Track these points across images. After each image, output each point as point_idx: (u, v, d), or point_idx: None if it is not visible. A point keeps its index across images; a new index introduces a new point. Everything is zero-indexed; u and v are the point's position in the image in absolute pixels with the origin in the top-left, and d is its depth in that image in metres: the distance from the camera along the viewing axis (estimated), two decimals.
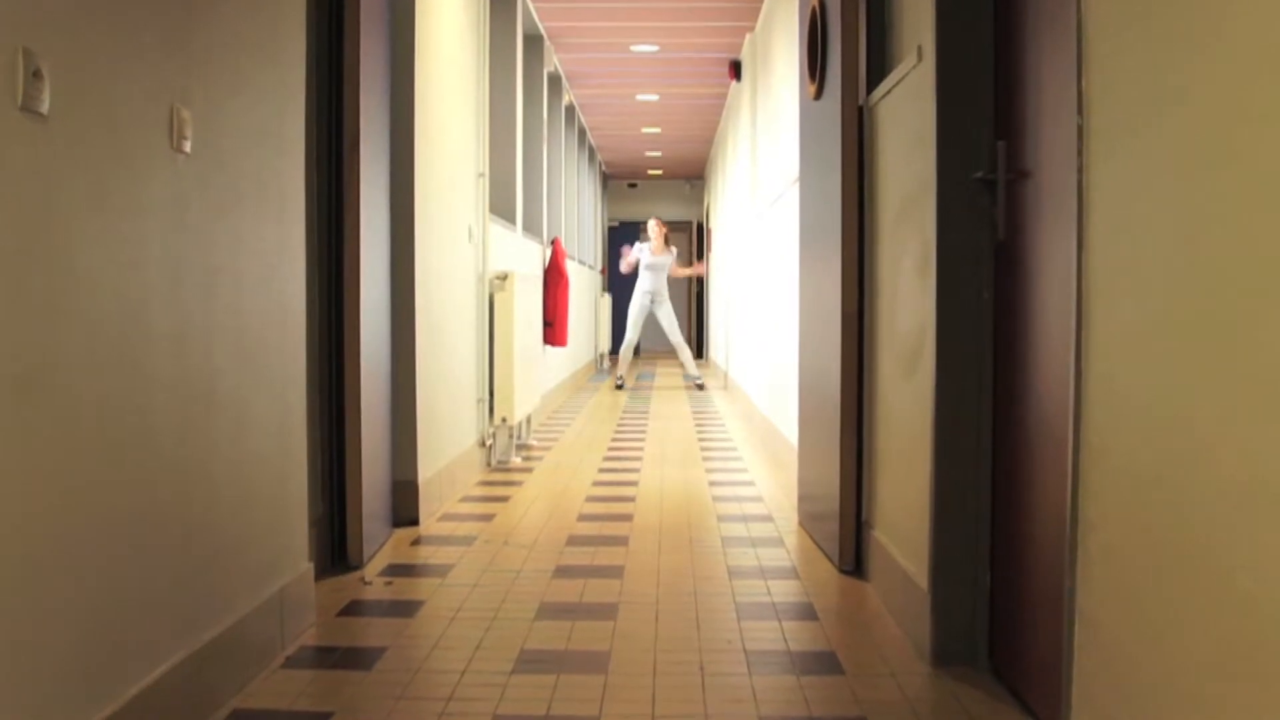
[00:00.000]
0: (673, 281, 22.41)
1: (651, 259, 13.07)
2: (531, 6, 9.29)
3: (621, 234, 22.59)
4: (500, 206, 8.00)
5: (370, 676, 3.07)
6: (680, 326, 21.42)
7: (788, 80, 7.00)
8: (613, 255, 22.07)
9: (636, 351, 20.87)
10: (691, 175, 21.86)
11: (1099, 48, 2.15)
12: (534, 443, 8.07)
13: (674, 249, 13.44)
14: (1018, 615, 2.81)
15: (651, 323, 19.00)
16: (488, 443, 6.88)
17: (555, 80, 11.73)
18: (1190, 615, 1.77)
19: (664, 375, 15.82)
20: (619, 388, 13.19)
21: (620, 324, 20.51)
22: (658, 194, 22.77)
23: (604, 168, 20.23)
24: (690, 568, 4.30)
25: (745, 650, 3.30)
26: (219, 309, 2.84)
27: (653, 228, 13.26)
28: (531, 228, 9.53)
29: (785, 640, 3.40)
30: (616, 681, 3.03)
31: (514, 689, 2.97)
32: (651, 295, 13.09)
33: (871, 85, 4.04)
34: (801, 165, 5.12)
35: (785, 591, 3.96)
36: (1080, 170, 2.23)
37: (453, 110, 5.87)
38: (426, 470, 5.24)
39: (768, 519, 5.27)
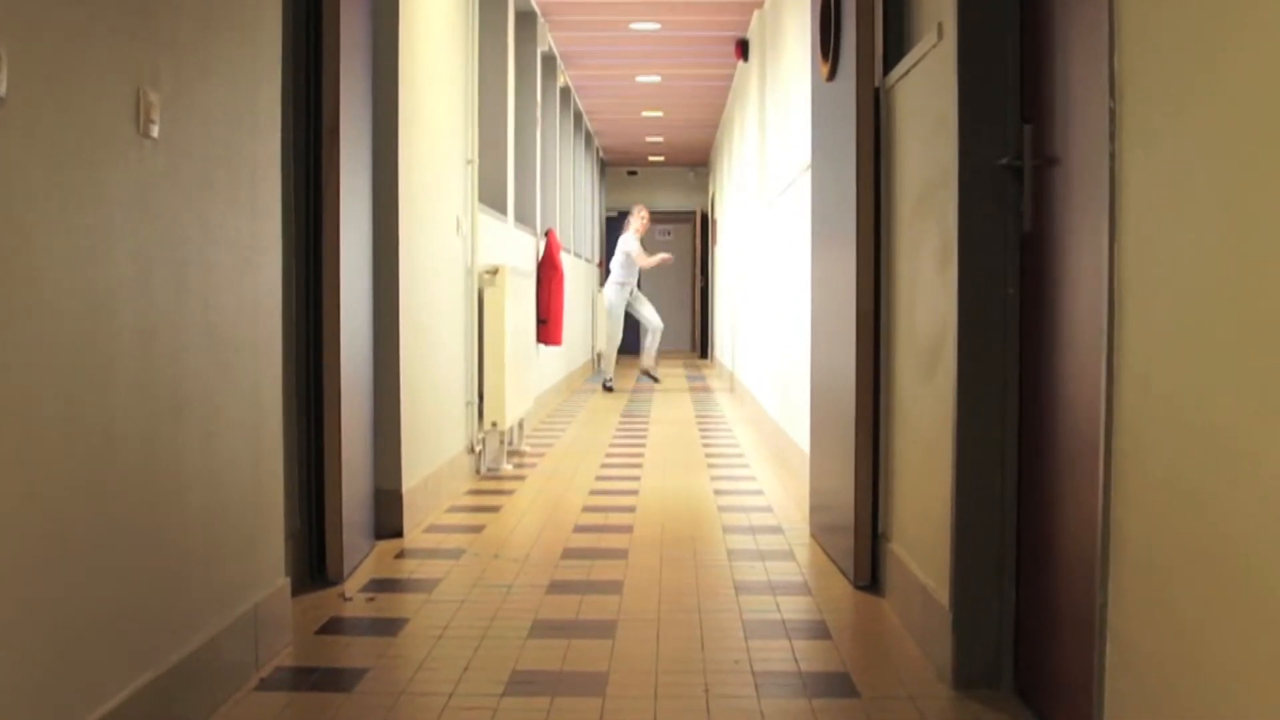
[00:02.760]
0: (677, 277, 22.46)
1: (639, 249, 13.13)
2: None
3: (620, 225, 22.60)
4: (490, 196, 8.00)
5: (351, 699, 3.07)
6: (678, 325, 21.44)
7: (799, 60, 7.00)
8: (611, 248, 22.08)
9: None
10: (695, 162, 21.88)
11: (1133, 24, 2.14)
12: (527, 448, 8.07)
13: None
14: (1045, 633, 2.81)
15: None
16: (477, 449, 6.88)
17: (549, 61, 11.74)
18: (1231, 634, 1.76)
19: (666, 376, 15.84)
20: (608, 389, 13.19)
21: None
22: (659, 182, 22.78)
23: (602, 154, 20.25)
24: (694, 583, 4.30)
25: (753, 671, 3.30)
26: (188, 304, 2.84)
27: (643, 216, 13.26)
28: (524, 218, 9.53)
29: (796, 660, 3.40)
30: (615, 705, 3.03)
31: (505, 713, 2.97)
32: (630, 287, 13.13)
33: (888, 66, 4.04)
34: (813, 151, 5.12)
35: (796, 608, 3.96)
36: (1112, 156, 2.23)
37: (440, 93, 5.87)
38: (411, 478, 5.24)
39: (777, 530, 5.27)
